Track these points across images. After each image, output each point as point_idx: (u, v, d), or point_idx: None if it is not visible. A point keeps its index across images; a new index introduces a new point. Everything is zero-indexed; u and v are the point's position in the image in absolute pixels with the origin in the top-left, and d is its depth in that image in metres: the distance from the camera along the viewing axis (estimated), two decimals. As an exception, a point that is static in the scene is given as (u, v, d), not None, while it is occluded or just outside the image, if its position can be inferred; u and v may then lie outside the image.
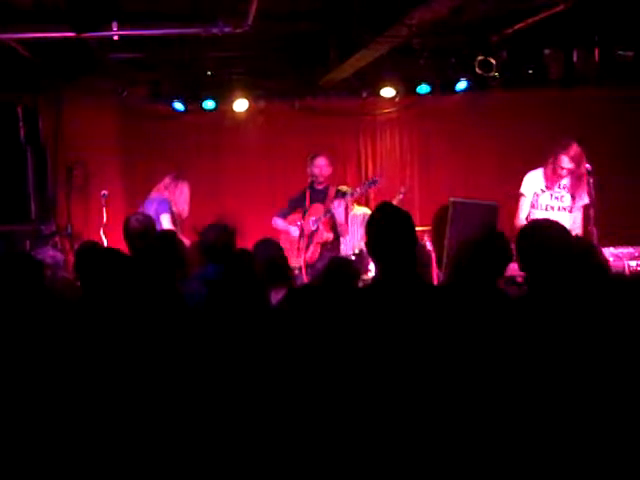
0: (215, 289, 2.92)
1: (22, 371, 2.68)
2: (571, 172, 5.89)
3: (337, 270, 4.31)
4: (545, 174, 6.01)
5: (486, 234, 3.67)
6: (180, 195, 6.48)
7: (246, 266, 3.03)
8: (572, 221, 5.92)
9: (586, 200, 5.94)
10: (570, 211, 5.98)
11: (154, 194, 6.49)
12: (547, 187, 6.01)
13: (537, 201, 6.04)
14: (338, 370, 2.59)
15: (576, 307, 2.69)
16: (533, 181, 6.06)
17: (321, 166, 6.44)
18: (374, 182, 6.46)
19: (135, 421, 2.51)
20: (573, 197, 5.97)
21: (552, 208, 5.99)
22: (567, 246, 3.01)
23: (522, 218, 6.06)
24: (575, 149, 5.84)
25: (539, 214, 5.98)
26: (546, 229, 3.16)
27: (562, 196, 6.00)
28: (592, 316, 2.62)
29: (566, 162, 5.86)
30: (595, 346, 2.53)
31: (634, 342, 2.51)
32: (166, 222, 6.24)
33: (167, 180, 6.50)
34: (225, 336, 2.74)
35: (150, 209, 6.29)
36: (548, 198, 6.02)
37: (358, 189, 6.53)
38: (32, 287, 3.04)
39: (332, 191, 6.46)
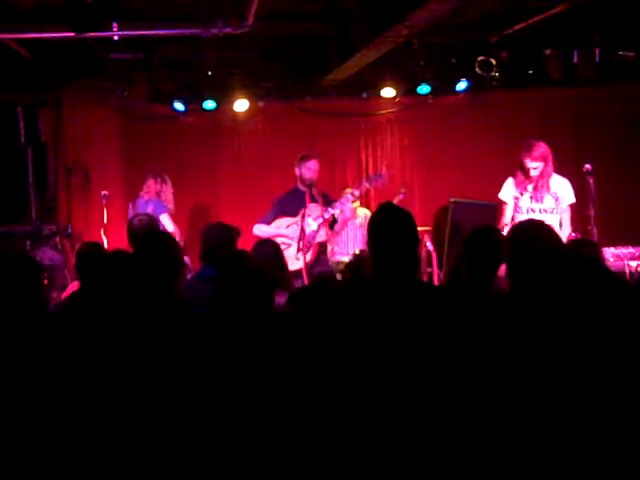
0: (221, 290, 2.92)
1: (19, 374, 2.68)
2: (542, 171, 5.88)
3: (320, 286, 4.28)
4: (515, 180, 6.02)
5: (475, 233, 3.64)
6: (170, 194, 6.78)
7: (247, 267, 3.02)
8: (557, 222, 5.89)
9: (572, 199, 5.93)
10: (553, 212, 5.95)
11: (146, 197, 6.73)
12: (520, 193, 6.02)
13: (518, 204, 6.04)
14: (338, 370, 2.59)
15: (563, 306, 2.69)
16: (509, 187, 6.07)
17: (314, 169, 6.28)
18: (381, 176, 6.39)
19: (137, 422, 2.51)
20: (555, 198, 5.95)
21: (533, 210, 5.98)
22: (551, 246, 3.00)
23: (503, 224, 6.05)
24: (538, 148, 5.85)
25: (522, 217, 5.96)
26: (530, 230, 3.14)
27: (542, 197, 5.99)
28: (579, 314, 2.62)
29: (530, 162, 5.87)
30: (584, 344, 2.53)
31: (624, 339, 2.51)
32: (168, 221, 6.57)
33: (156, 185, 6.79)
34: (227, 337, 2.74)
35: (147, 210, 6.52)
36: (528, 201, 6.01)
37: (366, 183, 6.43)
38: (29, 288, 3.03)
39: (318, 194, 6.38)
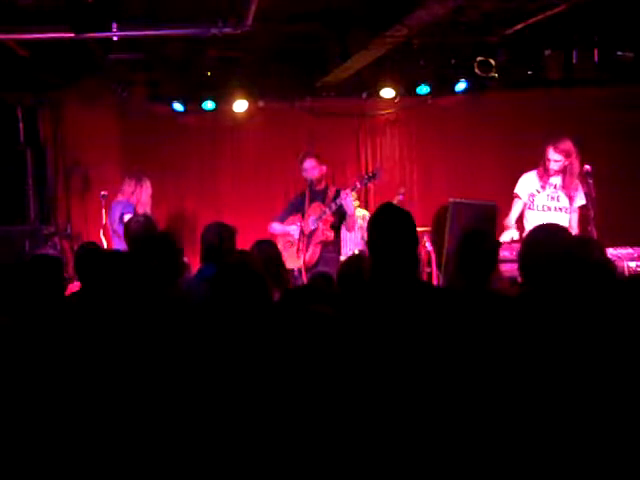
0: (217, 289, 2.93)
1: (21, 371, 2.68)
2: (562, 168, 5.87)
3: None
4: (538, 173, 6.02)
5: (467, 235, 3.64)
6: (146, 196, 6.71)
7: (247, 266, 3.02)
8: (569, 222, 5.93)
9: (583, 201, 5.94)
10: (567, 212, 5.97)
11: (120, 197, 6.70)
12: (541, 187, 6.01)
13: (533, 202, 6.03)
14: (338, 369, 2.59)
15: (571, 309, 2.70)
16: (528, 182, 6.06)
17: (309, 168, 6.29)
18: (374, 176, 6.38)
19: (136, 422, 2.51)
20: (570, 197, 5.96)
21: (549, 208, 5.99)
22: (568, 252, 3.00)
23: (512, 219, 6.07)
24: (563, 142, 5.85)
25: (535, 215, 5.98)
26: (550, 235, 3.13)
27: (558, 196, 6.00)
28: (588, 319, 2.62)
29: (552, 153, 5.85)
30: (590, 347, 2.53)
31: (632, 343, 2.51)
32: None
33: (132, 186, 6.71)
34: (226, 336, 2.74)
35: (116, 211, 6.60)
36: (545, 199, 6.01)
37: (358, 184, 6.42)
38: (51, 289, 3.04)
39: (332, 191, 6.39)
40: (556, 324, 2.64)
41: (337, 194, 6.31)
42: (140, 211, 6.60)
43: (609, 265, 3.45)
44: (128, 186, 6.71)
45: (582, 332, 2.57)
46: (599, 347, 2.51)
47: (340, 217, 6.31)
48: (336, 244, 6.44)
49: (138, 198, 6.68)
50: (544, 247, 3.04)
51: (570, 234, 3.14)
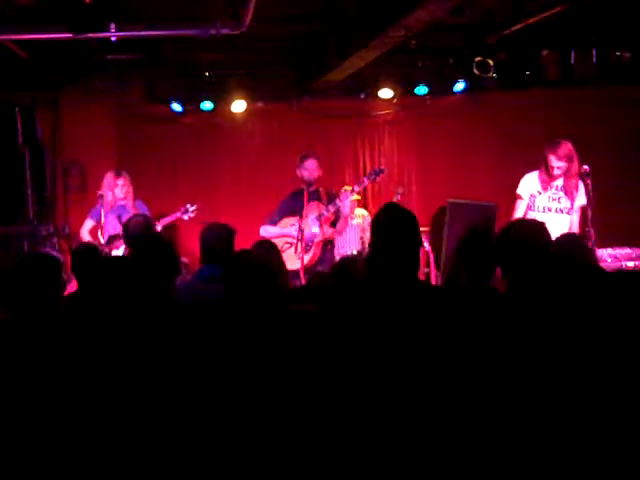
0: (230, 288, 2.93)
1: (19, 372, 2.68)
2: (565, 171, 5.87)
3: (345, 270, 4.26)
4: (539, 176, 6.01)
5: (470, 235, 3.65)
6: (119, 191, 6.73)
7: (255, 264, 3.03)
8: (570, 223, 5.93)
9: (584, 201, 5.93)
10: (568, 213, 5.97)
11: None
12: (543, 188, 6.00)
13: (534, 203, 6.02)
14: (336, 369, 2.59)
15: (554, 304, 2.70)
16: (530, 183, 6.05)
17: (311, 169, 6.32)
18: (381, 171, 6.38)
19: (134, 424, 2.51)
20: (571, 198, 5.96)
21: (549, 210, 5.98)
22: (542, 245, 3.01)
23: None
24: (564, 147, 5.83)
25: (536, 216, 5.97)
26: (523, 228, 3.14)
27: (559, 197, 5.99)
28: (570, 313, 2.63)
29: (554, 161, 5.84)
30: (575, 343, 2.54)
31: (613, 337, 2.52)
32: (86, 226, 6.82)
33: (109, 179, 6.76)
34: (235, 334, 2.75)
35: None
36: (545, 200, 6.00)
37: (365, 179, 6.42)
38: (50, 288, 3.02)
39: (323, 193, 6.40)
40: (547, 322, 2.65)
41: (329, 196, 6.32)
42: (113, 205, 6.69)
43: (591, 262, 3.46)
44: (106, 179, 6.76)
45: (571, 329, 2.57)
46: (588, 343, 2.52)
47: (338, 217, 6.33)
48: (333, 244, 6.46)
49: (113, 193, 6.73)
50: (511, 240, 3.04)
51: (546, 230, 3.14)
